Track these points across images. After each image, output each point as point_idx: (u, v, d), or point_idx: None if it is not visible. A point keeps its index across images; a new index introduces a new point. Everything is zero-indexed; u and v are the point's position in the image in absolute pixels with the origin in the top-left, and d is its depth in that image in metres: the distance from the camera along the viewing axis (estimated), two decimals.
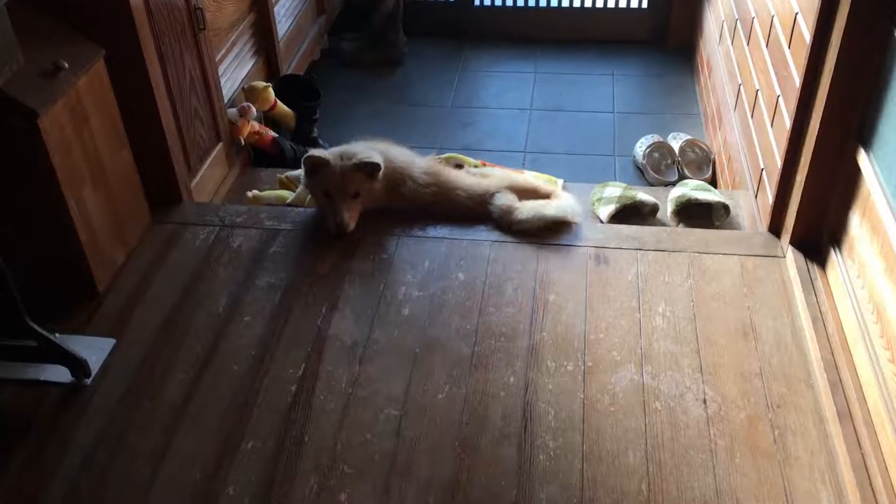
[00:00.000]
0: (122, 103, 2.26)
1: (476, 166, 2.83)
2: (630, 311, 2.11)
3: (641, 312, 2.10)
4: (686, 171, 3.23)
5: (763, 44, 2.55)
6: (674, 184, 3.13)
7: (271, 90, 3.12)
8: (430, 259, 2.30)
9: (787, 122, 2.19)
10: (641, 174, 3.31)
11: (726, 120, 3.06)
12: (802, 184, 2.11)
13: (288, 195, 2.72)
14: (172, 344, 2.06)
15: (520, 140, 3.57)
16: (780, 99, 2.30)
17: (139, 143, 2.35)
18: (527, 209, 2.37)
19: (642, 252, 2.29)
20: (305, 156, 2.35)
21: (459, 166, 2.83)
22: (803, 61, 2.06)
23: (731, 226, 2.63)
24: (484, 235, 2.38)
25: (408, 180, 2.44)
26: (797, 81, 2.11)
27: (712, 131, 3.35)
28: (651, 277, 2.21)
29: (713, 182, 3.17)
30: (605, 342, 2.02)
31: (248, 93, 3.07)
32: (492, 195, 2.43)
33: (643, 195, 2.66)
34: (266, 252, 2.35)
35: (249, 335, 2.08)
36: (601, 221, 2.67)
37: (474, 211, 2.43)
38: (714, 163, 3.23)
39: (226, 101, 2.91)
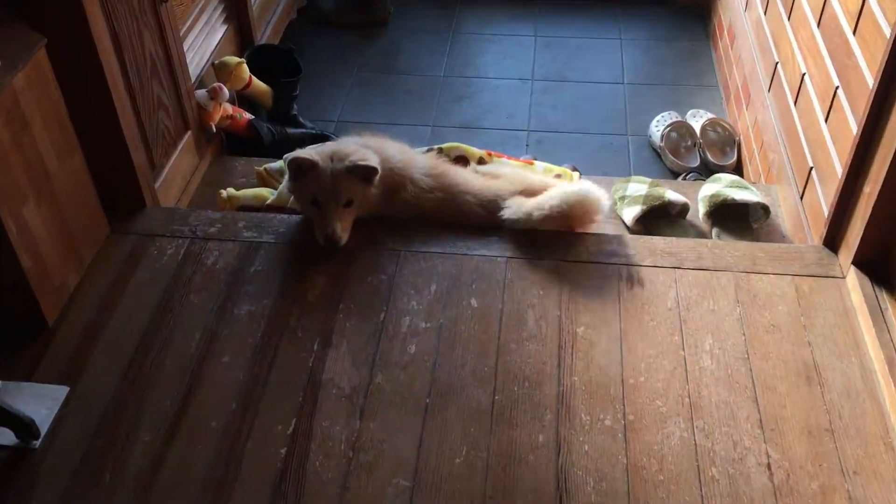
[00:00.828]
0: (69, 100, 1.90)
1: (481, 158, 2.50)
2: (673, 347, 1.81)
3: (686, 349, 1.81)
4: (708, 153, 2.92)
5: (812, 22, 2.22)
6: (696, 171, 2.82)
7: (245, 67, 2.74)
8: (436, 280, 1.98)
9: (853, 123, 1.88)
10: (658, 157, 3.00)
11: (757, 99, 2.74)
12: (873, 197, 1.81)
13: (268, 194, 2.37)
14: (137, 394, 1.74)
15: (522, 116, 3.23)
16: (840, 91, 1.98)
17: (92, 144, 1.99)
18: (548, 202, 2.05)
19: (681, 271, 1.99)
20: (289, 157, 2.01)
21: (462, 158, 2.49)
22: (880, 57, 1.74)
23: (771, 228, 2.34)
24: (497, 249, 2.06)
25: (408, 184, 2.10)
26: (869, 79, 1.80)
27: (736, 109, 3.03)
28: (694, 303, 1.91)
29: (738, 168, 2.87)
30: (647, 388, 1.73)
31: (219, 71, 2.69)
32: (502, 202, 2.10)
33: (672, 194, 2.35)
34: (245, 271, 2.02)
35: (228, 381, 1.77)
36: (625, 224, 2.36)
37: (485, 219, 2.11)
38: (740, 146, 2.92)
39: (193, 81, 2.54)
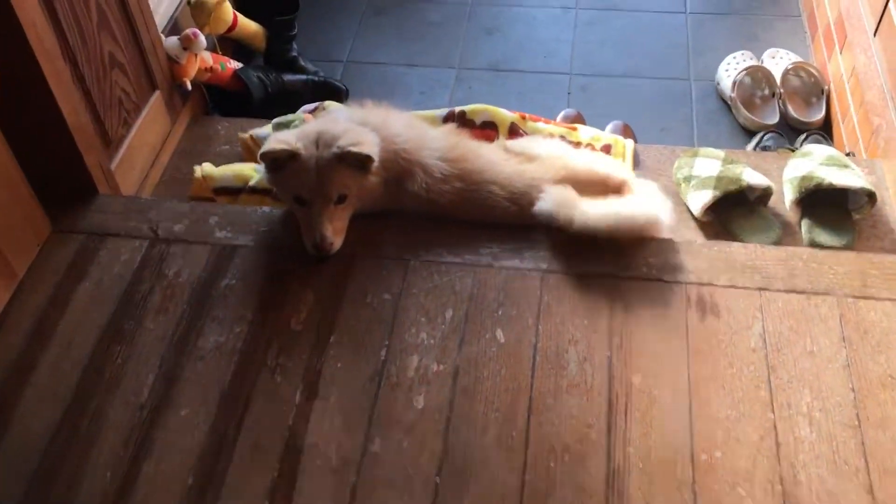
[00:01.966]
0: None
1: (513, 124, 2.03)
2: (759, 406, 1.39)
3: (776, 409, 1.39)
4: (789, 106, 2.41)
5: None
6: (776, 131, 2.32)
7: (228, 5, 2.26)
8: (453, 303, 1.56)
9: None
10: (728, 109, 2.49)
11: (857, 42, 2.21)
12: None
13: (252, 172, 1.94)
14: (71, 462, 1.37)
15: (563, 56, 2.72)
16: None
17: (20, 122, 1.57)
18: (593, 212, 1.60)
19: (768, 295, 1.55)
20: (262, 151, 1.57)
21: (490, 125, 2.03)
22: None
23: (876, 219, 1.87)
24: (531, 259, 1.63)
25: (418, 172, 1.66)
26: None
27: (826, 50, 2.50)
28: (785, 342, 1.47)
29: (826, 126, 2.36)
30: (725, 467, 1.32)
31: (196, 11, 2.22)
32: (538, 193, 1.65)
33: (751, 175, 1.88)
34: (215, 287, 1.61)
35: (187, 446, 1.39)
36: (691, 213, 1.90)
37: (516, 217, 1.67)
38: (829, 97, 2.40)
39: (162, 28, 2.08)
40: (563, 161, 1.72)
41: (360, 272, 1.62)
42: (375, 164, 1.58)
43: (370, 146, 1.58)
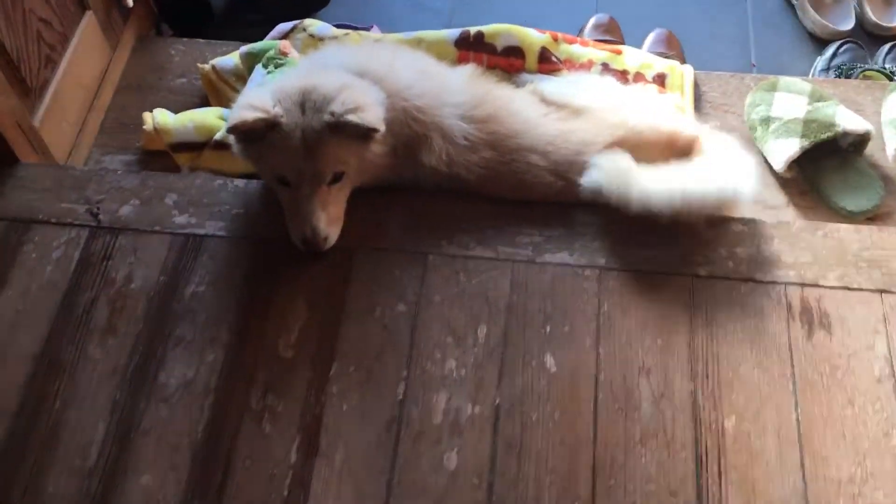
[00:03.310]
0: None
1: (544, 50, 1.61)
2: (890, 461, 1.08)
3: None
4: (867, 7, 1.99)
5: None
6: (854, 41, 1.91)
7: None
8: (488, 315, 1.21)
9: None
10: (791, 10, 2.06)
11: None
12: None
13: (218, 120, 1.53)
14: None
15: None
16: None
17: None
18: (655, 189, 1.23)
19: (893, 300, 1.21)
20: (229, 124, 1.17)
21: (515, 51, 1.61)
22: None
23: None
24: (584, 253, 1.27)
25: (436, 139, 1.27)
26: None
27: None
28: None
29: None
30: None
31: None
32: (586, 162, 1.28)
33: (845, 116, 1.50)
34: (178, 296, 1.25)
35: None
36: (771, 167, 1.53)
37: (561, 193, 1.30)
38: None
39: None
40: (619, 116, 1.33)
41: (365, 273, 1.26)
42: (381, 133, 1.18)
43: (374, 111, 1.18)
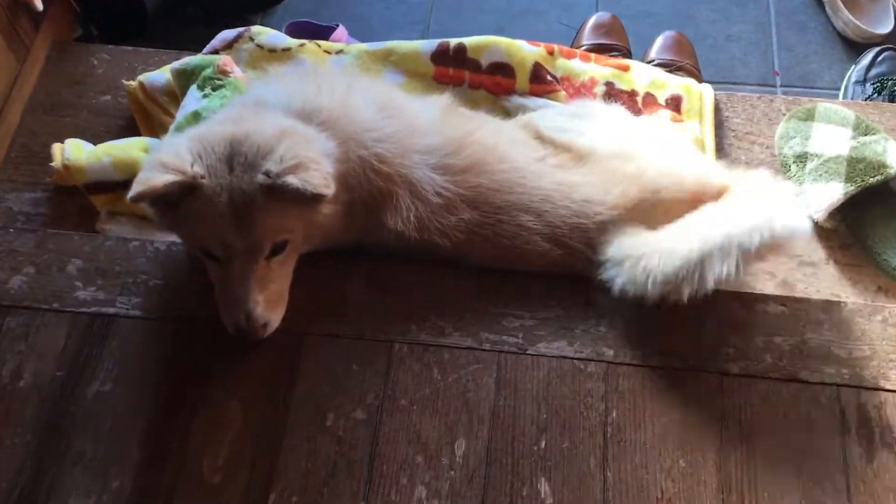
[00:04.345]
0: None
1: (538, 64, 1.34)
2: None
3: None
4: None
5: None
6: (894, 48, 1.65)
7: None
8: (467, 427, 0.97)
9: None
10: (820, 8, 1.80)
11: None
12: None
13: (141, 153, 1.26)
14: None
15: None
16: None
17: None
18: (672, 269, 0.97)
19: None
20: (133, 192, 0.90)
21: (502, 69, 1.35)
22: None
23: None
24: (586, 340, 1.02)
25: (402, 196, 1.01)
26: None
27: None
28: None
29: None
30: None
31: None
32: (597, 233, 1.03)
33: None
34: (78, 397, 0.99)
35: None
36: (810, 216, 1.28)
37: (562, 265, 1.05)
38: None
39: None
40: (633, 167, 1.07)
41: (315, 366, 1.01)
42: (329, 195, 0.92)
43: (320, 168, 0.92)
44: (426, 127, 1.06)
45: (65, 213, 1.29)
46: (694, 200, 1.07)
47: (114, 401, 0.99)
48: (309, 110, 1.00)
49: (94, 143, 1.30)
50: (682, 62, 1.59)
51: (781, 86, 1.69)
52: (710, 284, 0.93)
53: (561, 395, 0.98)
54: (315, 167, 0.92)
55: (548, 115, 1.18)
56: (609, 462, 0.94)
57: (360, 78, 1.22)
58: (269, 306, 0.96)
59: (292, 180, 0.90)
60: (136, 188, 0.89)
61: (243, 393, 0.99)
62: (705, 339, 1.01)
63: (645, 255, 0.97)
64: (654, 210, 1.04)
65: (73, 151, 1.26)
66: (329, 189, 0.91)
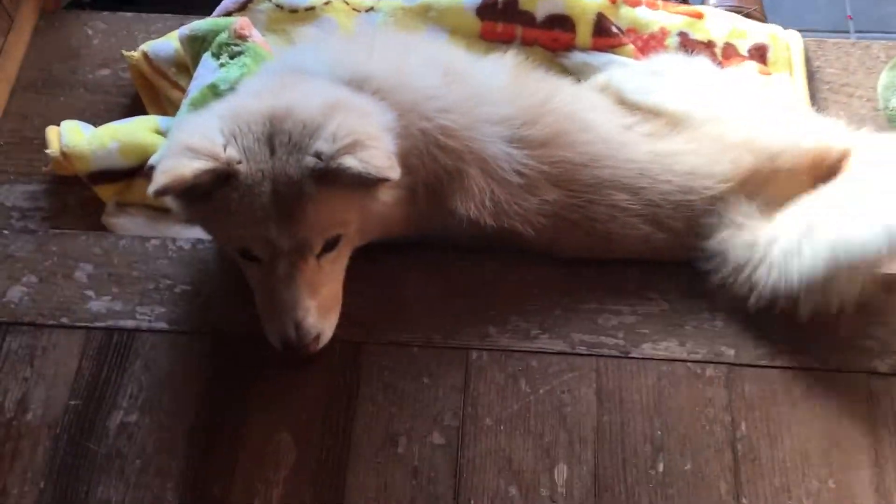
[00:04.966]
0: None
1: (601, 15, 1.16)
2: None
3: None
4: None
5: None
6: None
7: None
8: (567, 448, 0.81)
9: None
10: None
11: None
12: None
13: (152, 135, 1.09)
14: None
15: None
16: None
17: None
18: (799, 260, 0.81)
19: None
20: (156, 184, 0.73)
21: (561, 21, 1.17)
22: None
23: None
24: (700, 340, 0.86)
25: (473, 174, 0.84)
26: None
27: None
28: None
29: None
30: None
31: None
32: (707, 211, 0.86)
33: None
34: (99, 431, 0.83)
35: None
36: None
37: (665, 251, 0.88)
38: None
39: None
40: (741, 132, 0.90)
41: (377, 382, 0.85)
42: (396, 179, 0.75)
43: (382, 146, 0.76)
44: (496, 93, 0.89)
45: (66, 206, 1.12)
46: (814, 165, 0.90)
47: (141, 435, 0.82)
48: (360, 77, 0.83)
49: (95, 125, 1.12)
50: (747, 8, 1.41)
51: (855, 31, 1.52)
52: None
53: (677, 407, 0.82)
54: (375, 145, 0.75)
55: (628, 74, 1.00)
56: (743, 486, 0.78)
57: (414, 38, 1.04)
58: (321, 314, 0.80)
59: (350, 162, 0.73)
60: (161, 180, 0.72)
61: (295, 421, 0.83)
62: (842, 332, 0.85)
63: (806, 240, 0.80)
64: (772, 182, 0.88)
65: (72, 136, 1.08)
66: (395, 171, 0.75)
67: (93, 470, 0.81)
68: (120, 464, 0.81)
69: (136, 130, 1.09)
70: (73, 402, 0.84)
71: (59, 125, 1.11)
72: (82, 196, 1.12)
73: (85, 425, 0.83)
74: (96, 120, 1.15)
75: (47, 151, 1.08)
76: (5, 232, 0.94)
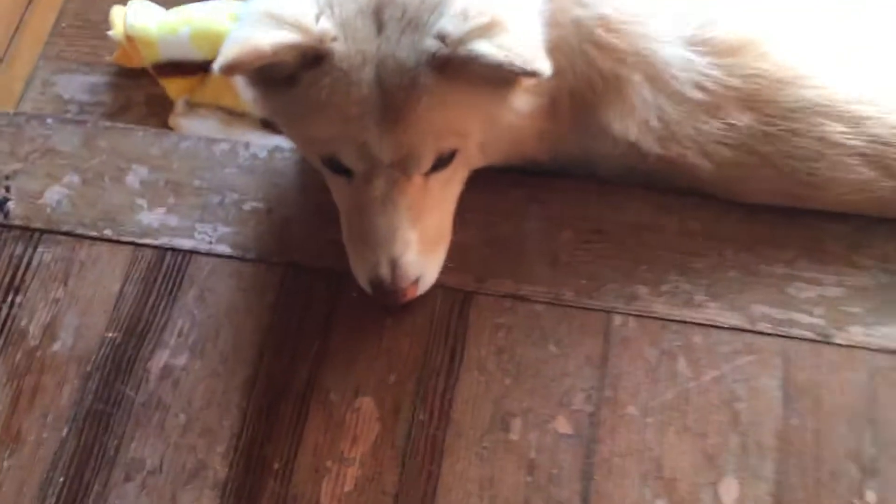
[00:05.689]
0: None
1: None
2: None
3: None
4: None
5: None
6: None
7: None
8: (739, 454, 0.60)
9: None
10: None
11: None
12: None
13: (235, 17, 0.91)
14: None
15: None
16: None
17: None
18: None
19: None
20: (224, 57, 0.54)
21: None
22: None
23: None
24: None
25: (638, 84, 0.64)
26: None
27: None
28: None
29: None
30: None
31: None
32: None
33: None
34: (138, 373, 0.66)
35: None
36: None
37: (888, 202, 0.65)
38: None
39: None
40: None
41: (490, 345, 0.65)
42: (547, 75, 0.54)
43: (526, 34, 0.55)
44: None
45: (130, 103, 0.95)
46: None
47: (189, 383, 0.66)
48: None
49: (167, 8, 0.94)
50: None
51: None
52: None
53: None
54: (517, 27, 0.55)
55: None
56: None
57: None
58: (423, 251, 0.62)
59: (485, 48, 0.53)
60: (230, 51, 0.54)
61: (381, 384, 0.65)
62: None
63: None
64: None
65: (139, 18, 0.91)
66: (545, 65, 0.54)
67: (127, 421, 0.65)
68: (160, 417, 0.64)
69: (213, 16, 0.91)
70: (109, 335, 0.68)
71: (125, 4, 0.94)
72: (150, 93, 0.95)
73: (122, 365, 0.67)
74: (168, 3, 0.97)
75: (109, 33, 0.92)
76: (48, 121, 0.77)
